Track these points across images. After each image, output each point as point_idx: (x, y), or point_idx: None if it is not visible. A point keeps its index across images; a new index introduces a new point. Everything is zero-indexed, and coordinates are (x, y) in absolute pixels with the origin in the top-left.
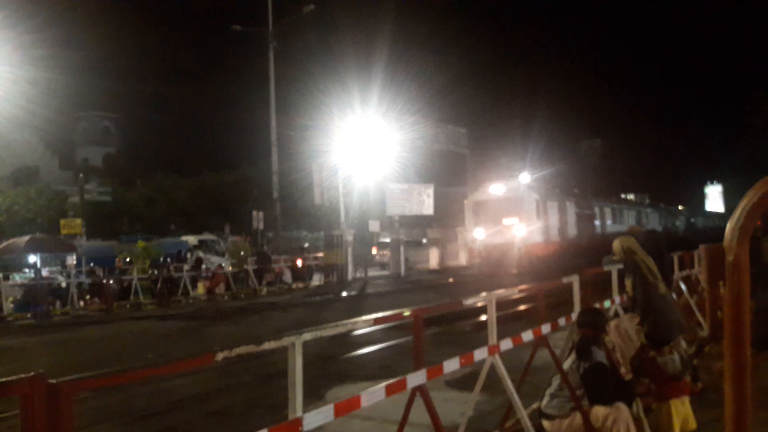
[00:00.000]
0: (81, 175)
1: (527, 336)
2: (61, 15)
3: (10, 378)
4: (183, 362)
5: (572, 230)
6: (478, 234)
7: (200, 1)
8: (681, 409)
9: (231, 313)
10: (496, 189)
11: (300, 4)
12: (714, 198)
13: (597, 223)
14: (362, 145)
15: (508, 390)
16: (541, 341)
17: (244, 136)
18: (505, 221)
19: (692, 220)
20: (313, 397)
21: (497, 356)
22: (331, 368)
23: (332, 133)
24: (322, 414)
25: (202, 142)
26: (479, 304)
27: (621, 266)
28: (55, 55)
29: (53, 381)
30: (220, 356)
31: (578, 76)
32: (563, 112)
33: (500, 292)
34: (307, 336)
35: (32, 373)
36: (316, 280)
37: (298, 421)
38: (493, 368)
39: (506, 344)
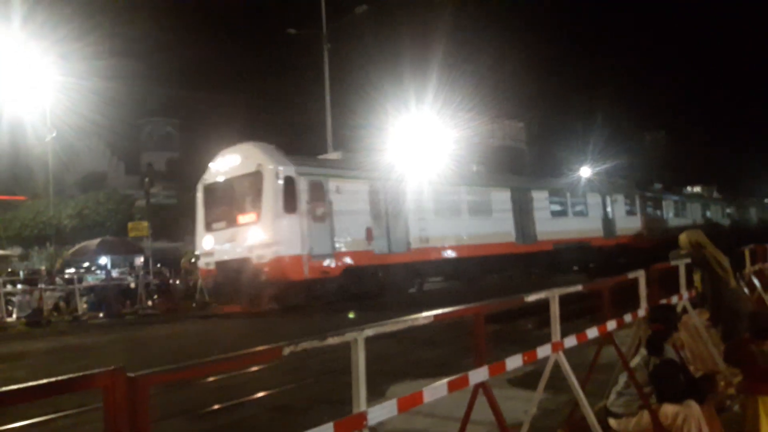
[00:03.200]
0: (146, 179)
1: (592, 333)
2: (121, 26)
3: (92, 371)
4: (252, 356)
5: (409, 233)
6: (207, 243)
7: (255, 7)
8: None
9: (295, 311)
10: (231, 162)
11: (353, 4)
12: None
13: (490, 216)
14: (417, 143)
15: (573, 387)
16: (606, 338)
17: (300, 136)
18: (242, 219)
19: (728, 210)
20: (374, 393)
21: (561, 353)
22: (390, 365)
23: (387, 132)
24: (386, 409)
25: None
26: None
27: (689, 260)
28: (116, 65)
29: (131, 374)
30: (286, 350)
31: (641, 66)
32: (626, 104)
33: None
34: (369, 332)
35: (112, 367)
36: None
37: (363, 416)
38: (556, 366)
39: (570, 341)
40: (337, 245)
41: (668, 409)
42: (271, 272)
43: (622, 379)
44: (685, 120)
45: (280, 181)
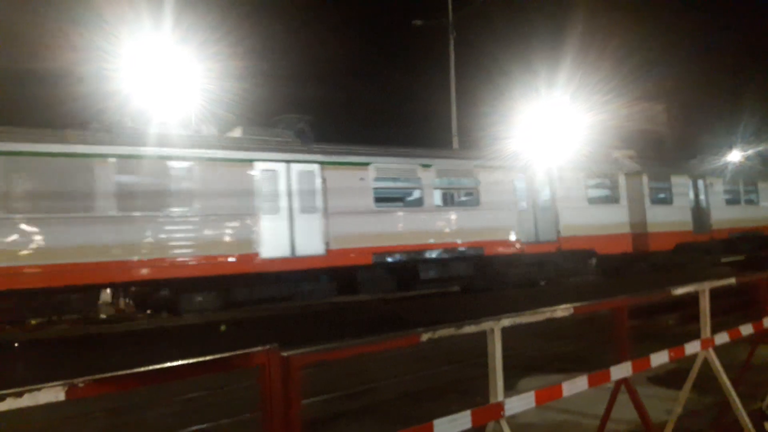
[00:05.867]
0: None
1: (746, 329)
2: (253, 29)
3: (248, 350)
4: (392, 341)
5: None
6: None
7: (379, 3)
8: None
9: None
10: None
11: None
12: None
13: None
14: (546, 130)
15: (724, 387)
16: (762, 336)
17: (424, 127)
18: None
19: None
20: (505, 386)
21: (711, 351)
22: (520, 358)
23: (513, 120)
24: (523, 400)
25: (386, 135)
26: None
27: None
28: (249, 65)
29: (285, 354)
30: (424, 337)
31: None
32: None
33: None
34: (506, 321)
35: (267, 346)
36: None
37: (500, 406)
38: (704, 364)
39: (721, 338)
40: None
41: None
42: None
43: None
44: None
45: None
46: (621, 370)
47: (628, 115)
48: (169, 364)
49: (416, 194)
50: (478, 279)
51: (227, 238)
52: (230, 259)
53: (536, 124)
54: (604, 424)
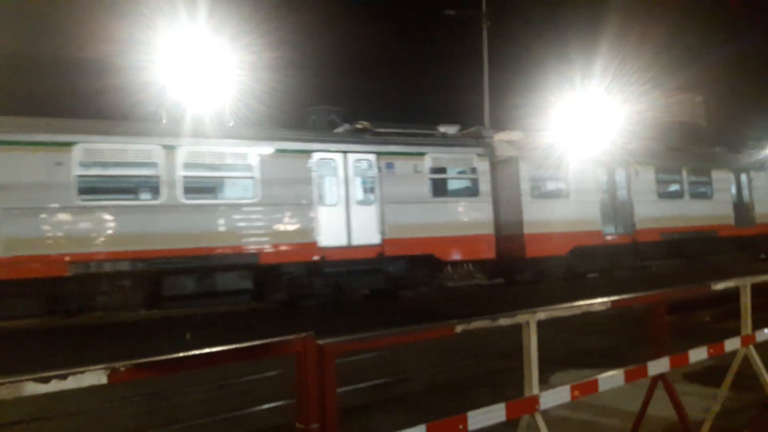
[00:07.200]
0: None
1: None
2: (285, 20)
3: (285, 338)
4: (427, 331)
5: None
6: None
7: None
8: None
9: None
10: None
11: None
12: None
13: None
14: (580, 121)
15: (765, 385)
16: None
17: (456, 117)
18: None
19: None
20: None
21: (752, 348)
22: (552, 353)
23: (546, 111)
24: (559, 394)
25: (417, 125)
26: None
27: None
28: (282, 56)
29: (321, 342)
30: (459, 328)
31: None
32: None
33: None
34: (541, 315)
35: (303, 334)
36: None
37: (535, 399)
38: (744, 362)
39: (763, 335)
40: None
41: None
42: None
43: None
44: None
45: None
46: (658, 366)
47: (665, 106)
48: (207, 350)
49: (154, 184)
50: (266, 293)
51: None
52: None
53: (573, 115)
54: (640, 421)
